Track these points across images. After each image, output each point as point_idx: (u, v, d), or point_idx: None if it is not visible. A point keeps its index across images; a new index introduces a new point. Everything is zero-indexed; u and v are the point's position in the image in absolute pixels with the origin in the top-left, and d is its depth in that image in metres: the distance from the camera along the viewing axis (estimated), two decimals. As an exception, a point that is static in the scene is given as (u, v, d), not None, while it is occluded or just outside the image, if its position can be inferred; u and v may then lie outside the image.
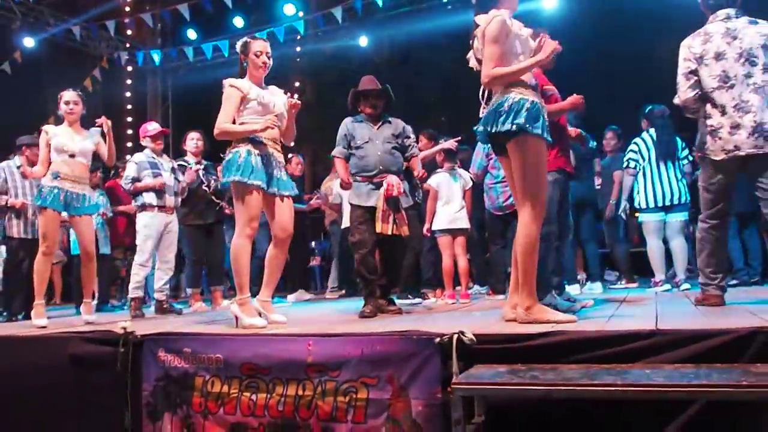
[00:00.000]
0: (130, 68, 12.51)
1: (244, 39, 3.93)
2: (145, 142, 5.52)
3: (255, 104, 3.73)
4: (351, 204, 4.30)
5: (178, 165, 5.86)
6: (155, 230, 5.26)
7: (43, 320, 4.28)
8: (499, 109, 3.05)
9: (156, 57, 12.01)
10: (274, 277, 3.88)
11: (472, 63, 3.30)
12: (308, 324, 3.64)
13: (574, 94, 3.82)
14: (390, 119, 4.40)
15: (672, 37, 3.77)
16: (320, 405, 2.81)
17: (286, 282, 7.31)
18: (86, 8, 11.34)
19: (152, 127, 5.57)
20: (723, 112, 3.39)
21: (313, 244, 9.84)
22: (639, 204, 5.39)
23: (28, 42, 10.28)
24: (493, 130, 3.07)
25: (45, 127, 4.57)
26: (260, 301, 3.80)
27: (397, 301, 4.61)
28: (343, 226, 6.39)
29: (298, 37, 11.19)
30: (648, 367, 2.18)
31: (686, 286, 5.19)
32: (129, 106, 12.87)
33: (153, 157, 5.42)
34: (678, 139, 5.37)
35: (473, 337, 2.54)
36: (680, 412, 2.21)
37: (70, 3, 11.31)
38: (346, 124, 4.37)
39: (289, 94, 3.97)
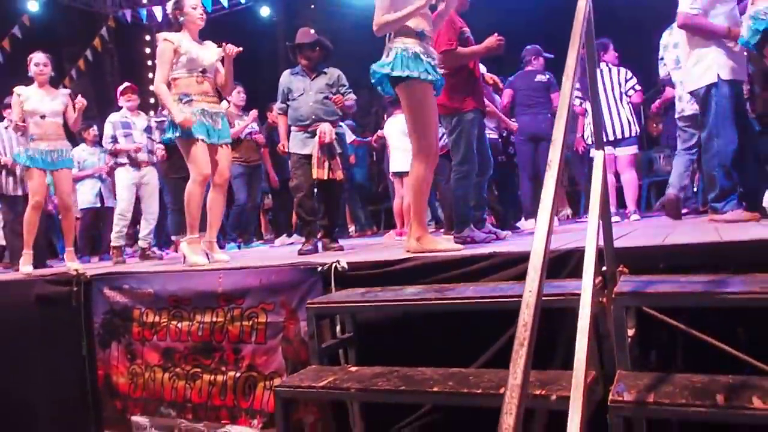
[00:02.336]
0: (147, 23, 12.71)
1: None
2: (120, 102, 5.88)
3: (184, 59, 3.98)
4: (290, 152, 4.60)
5: (159, 121, 6.23)
6: (130, 183, 5.68)
7: (29, 267, 4.78)
8: (386, 59, 3.28)
9: (158, 13, 12.27)
10: (217, 220, 4.25)
11: None
12: (249, 261, 4.03)
13: (492, 37, 3.94)
14: (326, 69, 4.62)
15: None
16: (230, 329, 3.22)
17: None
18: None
19: (122, 86, 5.92)
20: None
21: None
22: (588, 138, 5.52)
23: (32, 6, 10.64)
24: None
25: (16, 89, 4.92)
26: (206, 242, 4.20)
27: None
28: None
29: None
30: (474, 284, 2.47)
31: (636, 217, 5.35)
32: (149, 62, 13.17)
33: (126, 117, 5.79)
34: (624, 70, 5.41)
35: (345, 265, 2.87)
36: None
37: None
38: (284, 78, 4.62)
39: (224, 44, 4.12)
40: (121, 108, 5.93)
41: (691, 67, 3.75)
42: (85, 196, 7.04)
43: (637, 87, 5.39)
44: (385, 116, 6.63)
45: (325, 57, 4.64)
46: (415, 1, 3.26)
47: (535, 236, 1.27)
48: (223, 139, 4.15)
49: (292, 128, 4.56)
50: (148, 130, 5.90)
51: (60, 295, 3.80)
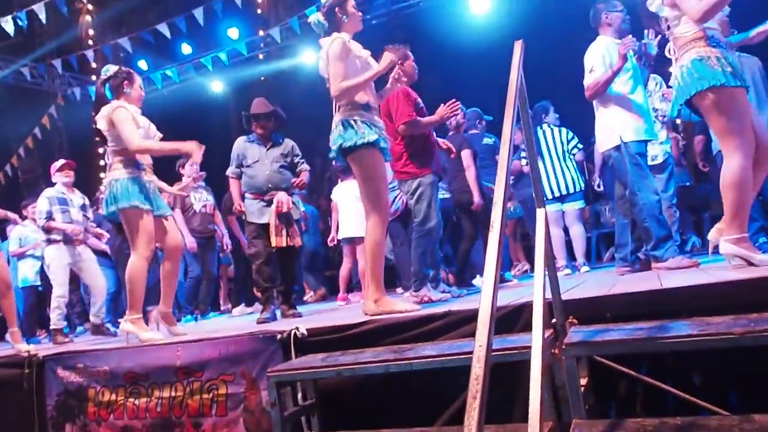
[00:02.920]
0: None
1: (126, 69, 4.15)
2: (55, 178, 5.72)
3: (142, 132, 3.98)
4: (246, 221, 4.64)
5: (92, 201, 6.18)
6: (64, 263, 5.48)
7: None
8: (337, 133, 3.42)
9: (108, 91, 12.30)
10: (172, 290, 4.20)
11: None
12: (207, 333, 3.98)
13: (443, 107, 4.15)
14: (281, 140, 4.75)
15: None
16: (189, 403, 3.17)
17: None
18: (34, 49, 11.68)
19: (59, 162, 5.80)
20: None
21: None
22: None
23: (-23, 85, 10.59)
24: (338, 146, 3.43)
25: None
26: (162, 313, 4.12)
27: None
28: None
29: (261, 56, 11.60)
30: (432, 343, 2.53)
31: (586, 268, 5.55)
32: (98, 139, 13.03)
33: (63, 193, 5.63)
34: (565, 130, 5.73)
35: (305, 332, 2.90)
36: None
37: (20, 45, 11.58)
38: (239, 144, 4.71)
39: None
40: (55, 184, 5.81)
41: (600, 131, 4.05)
42: (26, 274, 6.83)
43: (579, 146, 5.71)
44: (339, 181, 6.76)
45: (279, 127, 4.78)
46: (372, 67, 3.44)
47: (482, 292, 1.36)
48: (166, 211, 4.14)
49: (247, 195, 4.61)
50: (83, 208, 5.78)
51: (10, 378, 3.68)
